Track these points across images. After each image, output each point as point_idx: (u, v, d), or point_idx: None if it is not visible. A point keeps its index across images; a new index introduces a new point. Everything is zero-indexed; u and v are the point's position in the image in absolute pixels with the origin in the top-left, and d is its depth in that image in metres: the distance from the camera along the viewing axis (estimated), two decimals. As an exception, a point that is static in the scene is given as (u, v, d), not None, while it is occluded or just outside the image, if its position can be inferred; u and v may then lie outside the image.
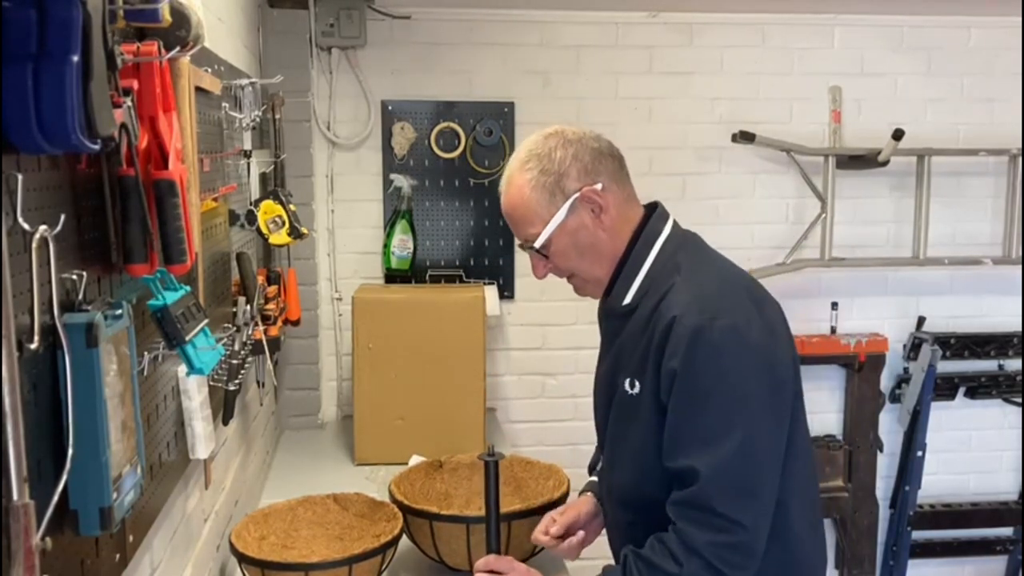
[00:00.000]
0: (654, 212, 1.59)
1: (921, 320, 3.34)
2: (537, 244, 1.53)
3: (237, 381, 1.89)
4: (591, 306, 3.42)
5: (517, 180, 1.54)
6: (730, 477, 1.39)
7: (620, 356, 1.55)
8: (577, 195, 1.51)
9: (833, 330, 3.29)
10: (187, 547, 1.63)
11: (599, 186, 1.52)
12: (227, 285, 1.98)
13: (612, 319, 1.60)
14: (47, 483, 0.90)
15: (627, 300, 1.54)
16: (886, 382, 3.37)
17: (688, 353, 1.40)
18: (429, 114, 3.08)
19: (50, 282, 0.90)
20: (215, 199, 1.79)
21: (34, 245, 0.86)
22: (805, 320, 3.23)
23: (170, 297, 1.26)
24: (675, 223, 1.59)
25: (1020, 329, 3.35)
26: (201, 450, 1.51)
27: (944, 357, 3.29)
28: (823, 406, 3.36)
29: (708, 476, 1.38)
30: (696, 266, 1.53)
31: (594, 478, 1.80)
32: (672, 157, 3.16)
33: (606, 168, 1.54)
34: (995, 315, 3.38)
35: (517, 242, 1.63)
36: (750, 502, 1.40)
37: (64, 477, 0.90)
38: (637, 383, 1.50)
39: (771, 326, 1.48)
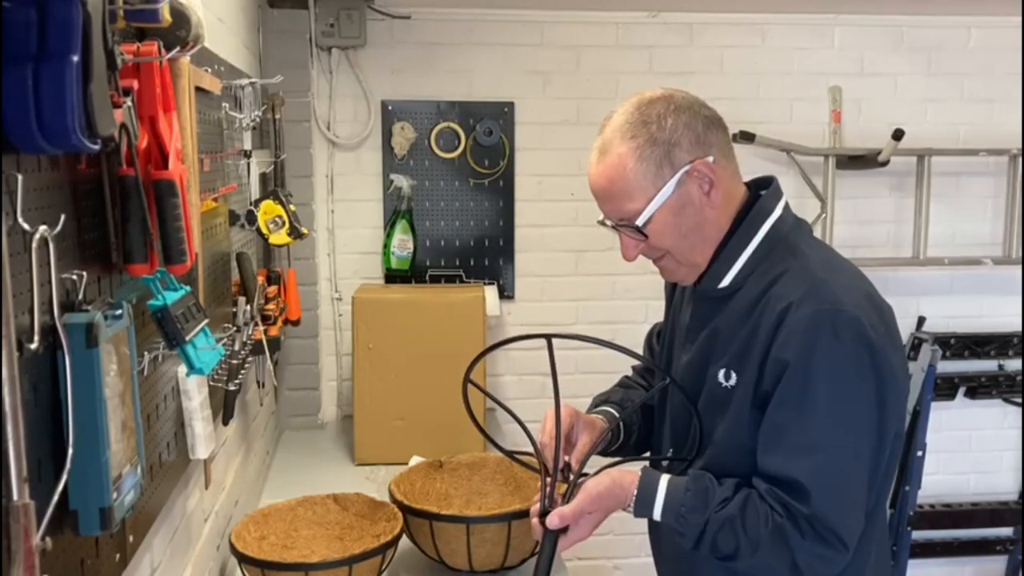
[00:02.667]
0: (767, 188, 1.44)
1: (921, 320, 3.35)
2: (639, 221, 1.36)
3: (237, 381, 1.89)
4: (591, 306, 3.43)
5: (617, 148, 1.36)
6: (839, 492, 1.29)
7: (712, 344, 1.41)
8: (687, 168, 1.35)
9: (833, 330, 3.29)
10: (187, 547, 1.63)
11: (711, 159, 1.36)
12: (227, 285, 1.98)
13: (703, 303, 1.45)
14: (47, 483, 0.90)
15: (724, 283, 1.40)
16: (886, 382, 3.37)
17: (805, 344, 1.27)
18: (429, 114, 3.08)
19: (50, 282, 0.90)
20: (215, 199, 1.79)
21: (34, 245, 0.86)
22: (805, 320, 3.22)
23: (170, 297, 1.26)
24: (787, 205, 1.45)
25: (1020, 329, 3.35)
26: (201, 450, 1.51)
27: (944, 357, 3.29)
28: (823, 406, 3.36)
29: (818, 494, 1.28)
30: (815, 253, 1.40)
31: (608, 408, 1.64)
32: (672, 157, 3.16)
33: (718, 140, 1.39)
34: (995, 315, 3.38)
35: (598, 219, 1.47)
36: (857, 520, 1.32)
37: (64, 477, 0.90)
38: (734, 375, 1.36)
39: (892, 333, 1.36)
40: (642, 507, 1.37)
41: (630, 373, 1.80)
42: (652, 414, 1.67)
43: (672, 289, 1.64)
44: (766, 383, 1.32)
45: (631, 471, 1.42)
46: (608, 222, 1.44)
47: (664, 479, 1.38)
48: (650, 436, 1.69)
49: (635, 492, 1.38)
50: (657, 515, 1.37)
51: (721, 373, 1.39)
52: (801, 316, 1.29)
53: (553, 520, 1.39)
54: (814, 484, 1.28)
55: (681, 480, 1.38)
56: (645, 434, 1.67)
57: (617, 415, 1.62)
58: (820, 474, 1.28)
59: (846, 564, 1.34)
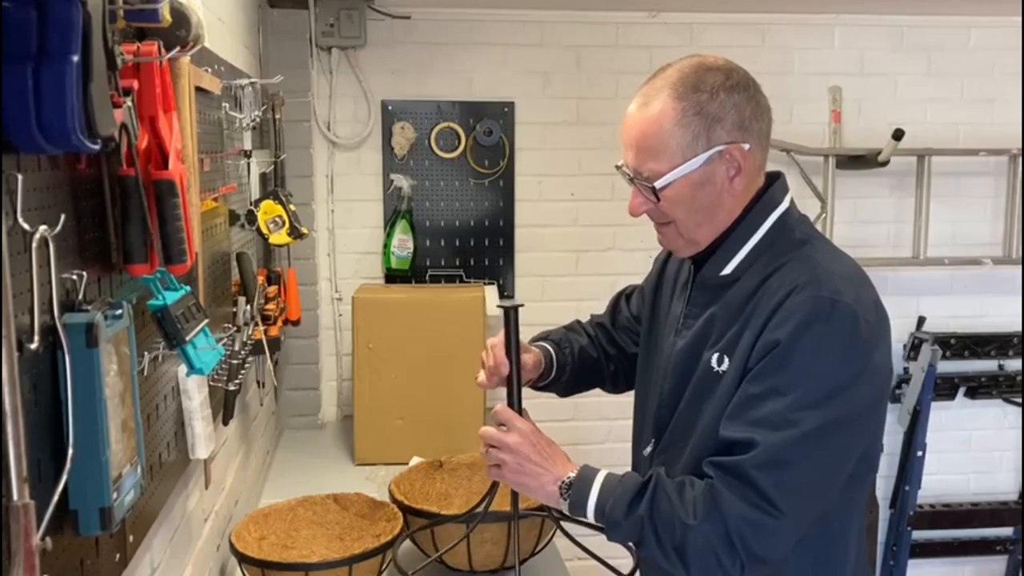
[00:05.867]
0: (774, 182, 1.43)
1: (921, 320, 3.35)
2: (658, 184, 1.34)
3: (237, 381, 1.89)
4: (591, 306, 3.43)
5: (662, 105, 1.34)
6: (787, 462, 1.26)
7: (709, 329, 1.40)
8: (721, 149, 1.33)
9: (833, 330, 3.29)
10: (187, 547, 1.63)
11: (747, 146, 1.34)
12: (227, 285, 1.98)
13: (703, 289, 1.44)
14: (47, 483, 0.90)
15: (727, 270, 1.40)
16: (886, 382, 3.37)
17: (797, 326, 1.26)
18: (429, 114, 3.08)
19: (50, 282, 0.90)
20: (215, 199, 1.79)
21: (34, 245, 0.86)
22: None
23: (170, 297, 1.26)
24: (793, 200, 1.44)
25: (1020, 329, 3.35)
26: (201, 450, 1.51)
27: (944, 357, 3.29)
28: (823, 406, 3.36)
29: (764, 453, 1.25)
30: (821, 244, 1.40)
31: (541, 343, 1.72)
32: (672, 157, 3.16)
33: (759, 128, 1.37)
34: (995, 315, 3.39)
35: (617, 163, 1.43)
36: (798, 495, 1.27)
37: (64, 477, 0.90)
38: (726, 359, 1.35)
39: (883, 332, 1.35)
40: (580, 485, 1.37)
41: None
42: (591, 364, 1.74)
43: (661, 272, 1.63)
44: (752, 362, 1.31)
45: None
46: (627, 171, 1.41)
47: (603, 470, 1.40)
48: (581, 381, 1.75)
49: (573, 472, 1.39)
50: (595, 493, 1.36)
51: (715, 358, 1.37)
52: (800, 300, 1.28)
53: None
54: (764, 444, 1.26)
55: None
56: (575, 379, 1.73)
57: (552, 351, 1.69)
58: (776, 442, 1.26)
59: (802, 552, 1.33)
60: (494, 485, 1.57)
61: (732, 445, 1.30)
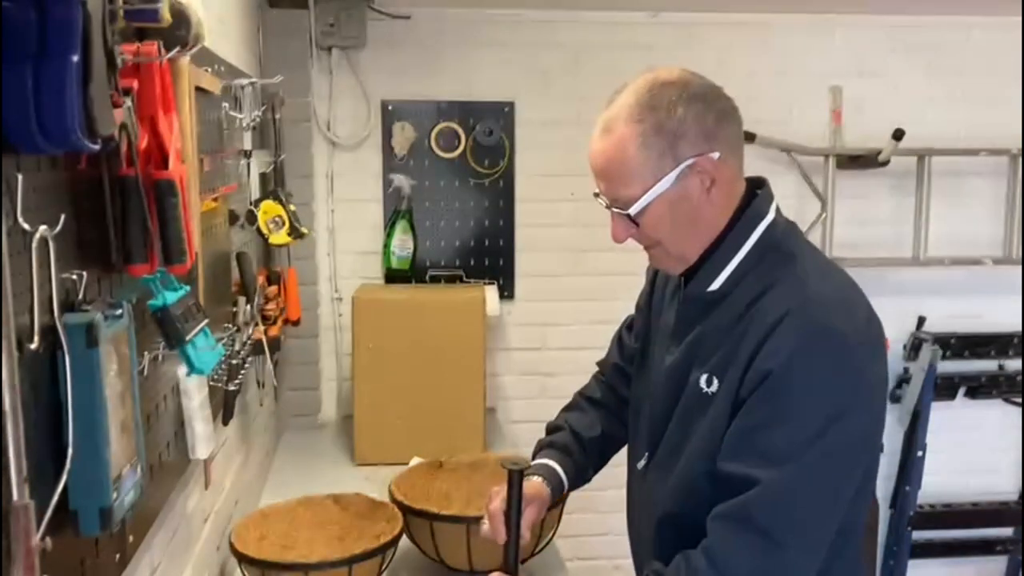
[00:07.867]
0: (759, 189, 1.39)
1: (921, 320, 3.34)
2: (633, 211, 1.33)
3: (237, 381, 1.89)
4: (591, 306, 3.43)
5: (621, 130, 1.32)
6: (790, 499, 1.24)
7: (698, 348, 1.38)
8: (690, 163, 1.30)
9: (833, 330, 3.28)
10: (187, 547, 1.63)
11: (716, 155, 1.31)
12: (227, 285, 1.98)
13: (691, 305, 1.41)
14: (47, 483, 0.90)
15: (714, 286, 1.36)
16: (886, 382, 3.37)
17: (789, 357, 1.24)
18: (429, 114, 3.08)
19: (50, 282, 0.90)
20: (215, 199, 1.79)
21: (34, 245, 0.87)
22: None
23: (170, 297, 1.26)
24: (779, 208, 1.40)
25: (1020, 329, 3.35)
26: (201, 450, 1.51)
27: (944, 357, 3.29)
28: (823, 406, 3.36)
29: (766, 491, 1.23)
30: (808, 262, 1.36)
31: (548, 462, 1.65)
32: (672, 157, 3.16)
33: (727, 134, 1.33)
34: (995, 315, 3.38)
35: (594, 191, 1.41)
36: (802, 531, 1.26)
37: (64, 477, 0.91)
38: (716, 381, 1.33)
39: (877, 350, 1.33)
40: None
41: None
42: (601, 443, 1.69)
43: (653, 282, 1.61)
44: (744, 391, 1.29)
45: None
46: (603, 200, 1.40)
47: None
48: (600, 464, 1.71)
49: None
50: None
51: (703, 378, 1.35)
52: (790, 330, 1.26)
53: None
54: (766, 481, 1.25)
55: None
56: (594, 469, 1.71)
57: (560, 471, 1.64)
58: (777, 478, 1.25)
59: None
60: None
61: (730, 480, 1.28)
